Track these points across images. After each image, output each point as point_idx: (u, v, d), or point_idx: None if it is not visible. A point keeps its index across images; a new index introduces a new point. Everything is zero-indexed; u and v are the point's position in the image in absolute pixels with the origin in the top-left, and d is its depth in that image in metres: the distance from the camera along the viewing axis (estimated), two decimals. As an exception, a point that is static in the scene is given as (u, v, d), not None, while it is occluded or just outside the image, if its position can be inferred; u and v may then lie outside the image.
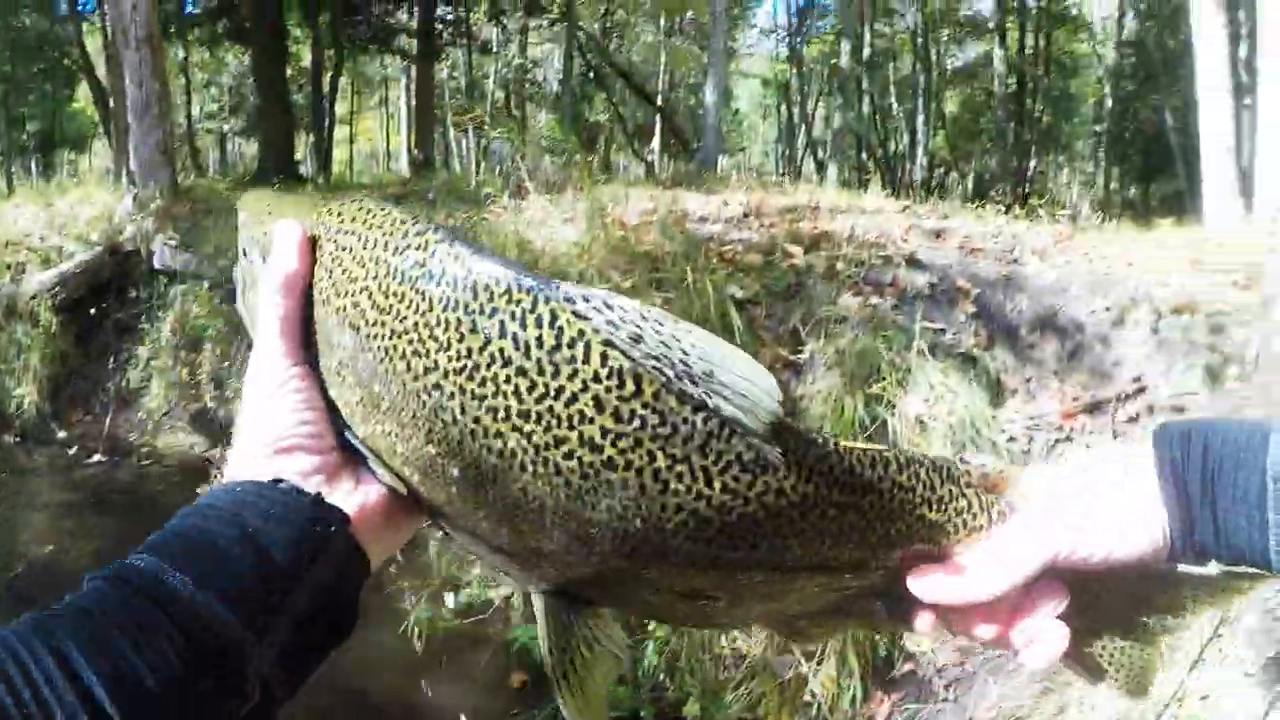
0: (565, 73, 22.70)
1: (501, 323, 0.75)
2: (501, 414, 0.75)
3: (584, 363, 0.74)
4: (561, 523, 0.78)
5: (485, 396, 0.75)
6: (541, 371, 0.74)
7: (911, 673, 4.91)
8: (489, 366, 0.75)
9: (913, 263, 6.60)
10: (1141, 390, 6.05)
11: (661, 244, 6.73)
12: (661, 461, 0.75)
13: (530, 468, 0.76)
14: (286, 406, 0.87)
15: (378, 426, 0.83)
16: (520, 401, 0.75)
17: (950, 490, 0.92)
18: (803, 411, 5.37)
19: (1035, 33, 30.55)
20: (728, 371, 0.74)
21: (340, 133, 33.94)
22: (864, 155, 31.68)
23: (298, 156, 22.24)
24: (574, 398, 0.74)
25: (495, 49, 29.56)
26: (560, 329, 0.74)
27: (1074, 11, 32.05)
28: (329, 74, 24.64)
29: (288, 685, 0.76)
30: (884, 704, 4.75)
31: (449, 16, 24.26)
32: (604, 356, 0.74)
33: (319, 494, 0.82)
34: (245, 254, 1.00)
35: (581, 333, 0.74)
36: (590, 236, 6.79)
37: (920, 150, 31.75)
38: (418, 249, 0.80)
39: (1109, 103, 28.93)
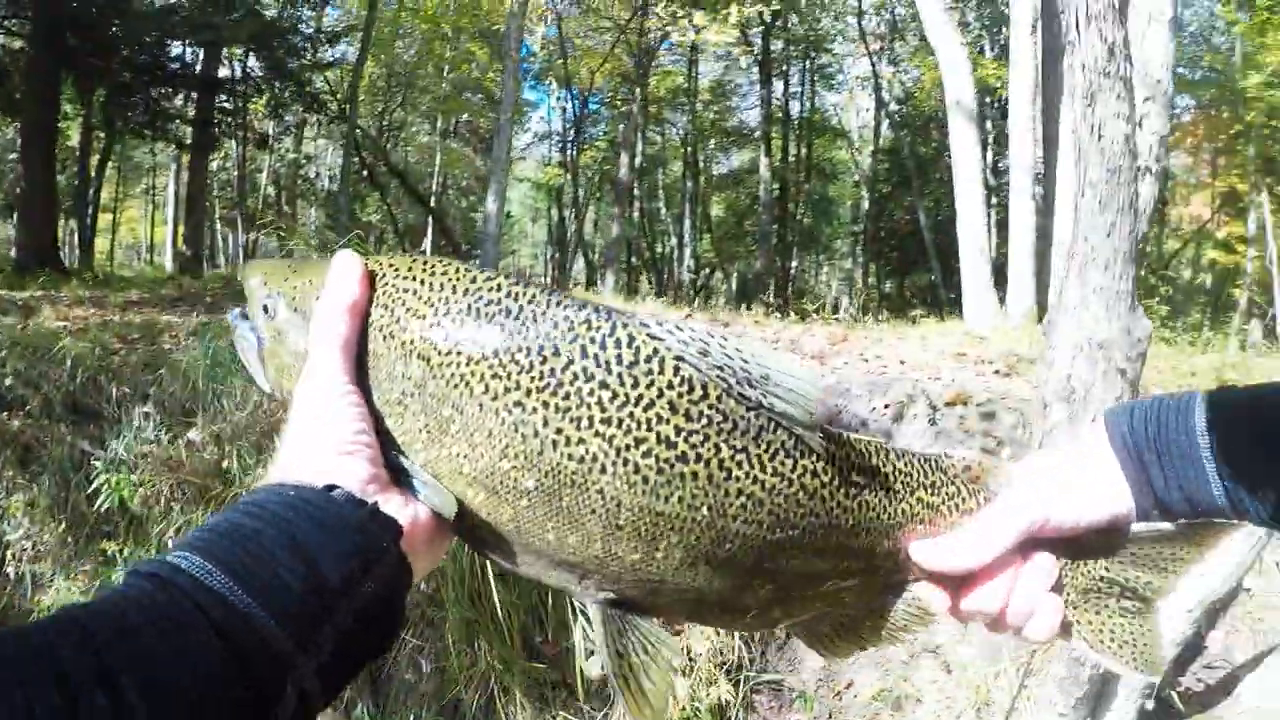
0: (344, 170, 22.22)
1: (583, 346, 0.89)
2: (585, 422, 0.88)
3: (659, 373, 0.89)
4: (633, 520, 0.90)
5: (569, 409, 0.88)
6: (628, 378, 0.89)
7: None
8: (572, 382, 0.88)
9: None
10: (927, 476, 6.48)
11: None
12: (725, 455, 0.91)
13: (610, 469, 0.88)
14: (348, 415, 0.91)
15: (443, 450, 0.92)
16: (603, 410, 0.88)
17: (940, 477, 1.09)
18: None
19: (798, 141, 32.43)
20: (780, 374, 0.91)
21: (102, 220, 32.05)
22: (633, 259, 32.46)
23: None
24: (651, 403, 0.89)
25: (271, 143, 28.73)
26: (638, 348, 0.90)
27: (833, 121, 34.14)
28: (96, 156, 23.32)
29: (324, 696, 0.75)
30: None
31: (227, 106, 23.42)
32: (676, 368, 0.90)
33: (375, 504, 0.84)
34: (268, 310, 1.04)
35: (656, 350, 0.90)
36: None
37: (687, 253, 32.91)
38: (491, 289, 0.93)
39: (865, 205, 30.83)
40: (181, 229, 23.96)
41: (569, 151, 33.16)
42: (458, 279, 0.95)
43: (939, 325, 11.29)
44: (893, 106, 29.45)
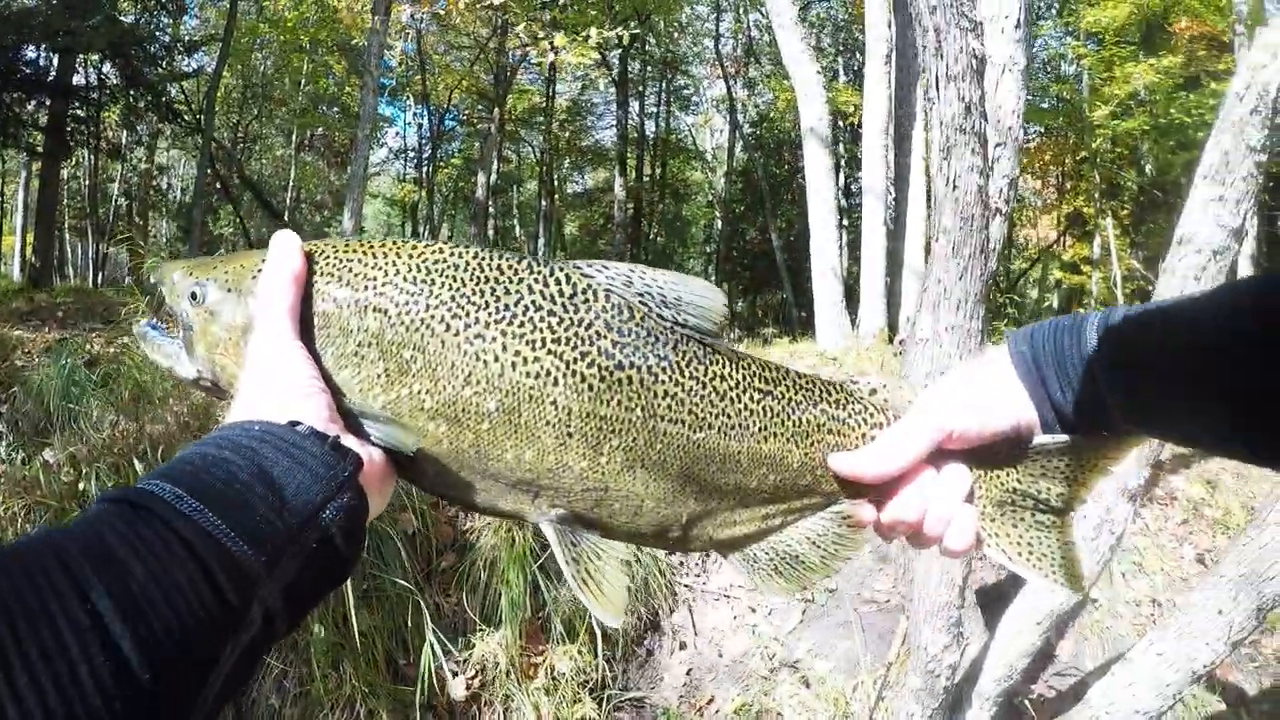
0: (198, 182, 21.41)
1: (529, 284, 1.05)
2: (538, 344, 1.03)
3: (594, 301, 1.07)
4: (581, 425, 1.04)
5: (523, 334, 1.03)
6: (570, 307, 1.05)
7: None
8: (524, 313, 1.04)
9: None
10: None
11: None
12: (653, 361, 1.07)
13: (560, 382, 1.03)
14: (301, 365, 0.98)
15: (405, 389, 1.03)
16: (552, 332, 1.04)
17: (845, 396, 1.21)
18: (474, 544, 5.43)
19: (653, 161, 32.73)
20: (690, 295, 1.10)
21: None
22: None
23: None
24: (590, 324, 1.05)
25: (124, 153, 27.56)
26: (574, 282, 1.07)
27: (688, 143, 34.56)
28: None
29: (287, 619, 0.78)
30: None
31: (80, 113, 22.30)
32: (608, 295, 1.07)
33: (336, 437, 0.88)
34: (195, 296, 1.10)
35: (589, 284, 1.07)
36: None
37: None
38: (434, 251, 1.07)
39: (719, 224, 31.30)
40: (31, 239, 22.77)
41: (425, 168, 32.80)
42: (398, 248, 1.08)
43: (792, 345, 11.52)
44: (747, 129, 30.00)
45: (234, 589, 0.71)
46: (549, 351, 1.03)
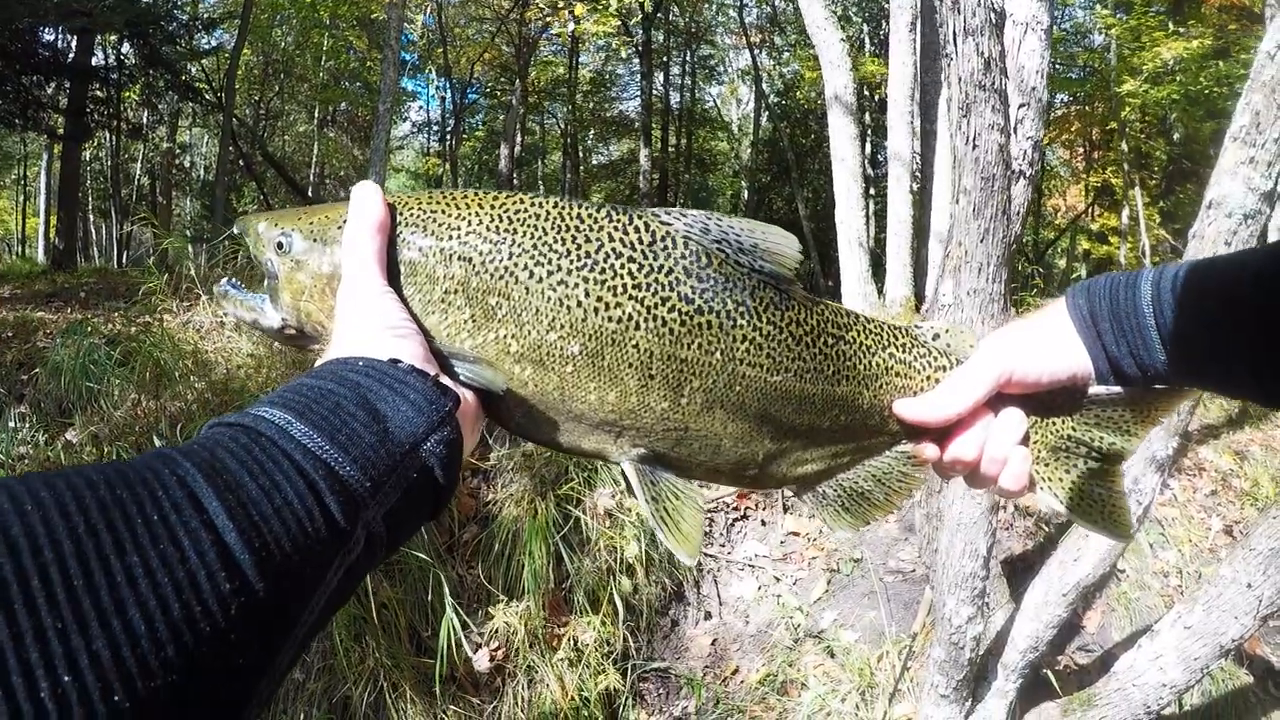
0: (220, 160, 21.43)
1: (609, 233, 1.08)
2: (620, 289, 1.06)
3: (674, 248, 1.10)
4: (662, 368, 1.08)
5: (607, 279, 1.06)
6: (649, 254, 1.08)
7: None
8: (606, 260, 1.07)
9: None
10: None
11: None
12: (730, 306, 1.11)
13: (641, 326, 1.07)
14: (394, 308, 1.01)
15: (490, 334, 1.06)
16: (633, 278, 1.07)
17: (911, 340, 1.27)
18: (496, 516, 5.43)
19: (678, 132, 32.53)
20: (766, 241, 1.13)
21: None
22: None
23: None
24: (670, 270, 1.09)
25: (145, 133, 27.61)
26: (654, 230, 1.10)
27: (713, 114, 34.33)
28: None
29: (387, 544, 0.81)
30: None
31: (100, 94, 22.31)
32: (685, 242, 1.10)
33: (437, 374, 0.94)
34: (282, 246, 1.13)
35: (668, 231, 1.10)
36: (268, 348, 6.52)
37: None
38: (514, 201, 1.10)
39: (745, 194, 31.10)
40: (54, 221, 22.88)
41: (448, 141, 32.73)
42: (480, 198, 1.11)
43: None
44: (772, 99, 29.76)
45: (341, 510, 0.74)
46: (630, 297, 1.07)
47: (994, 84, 3.23)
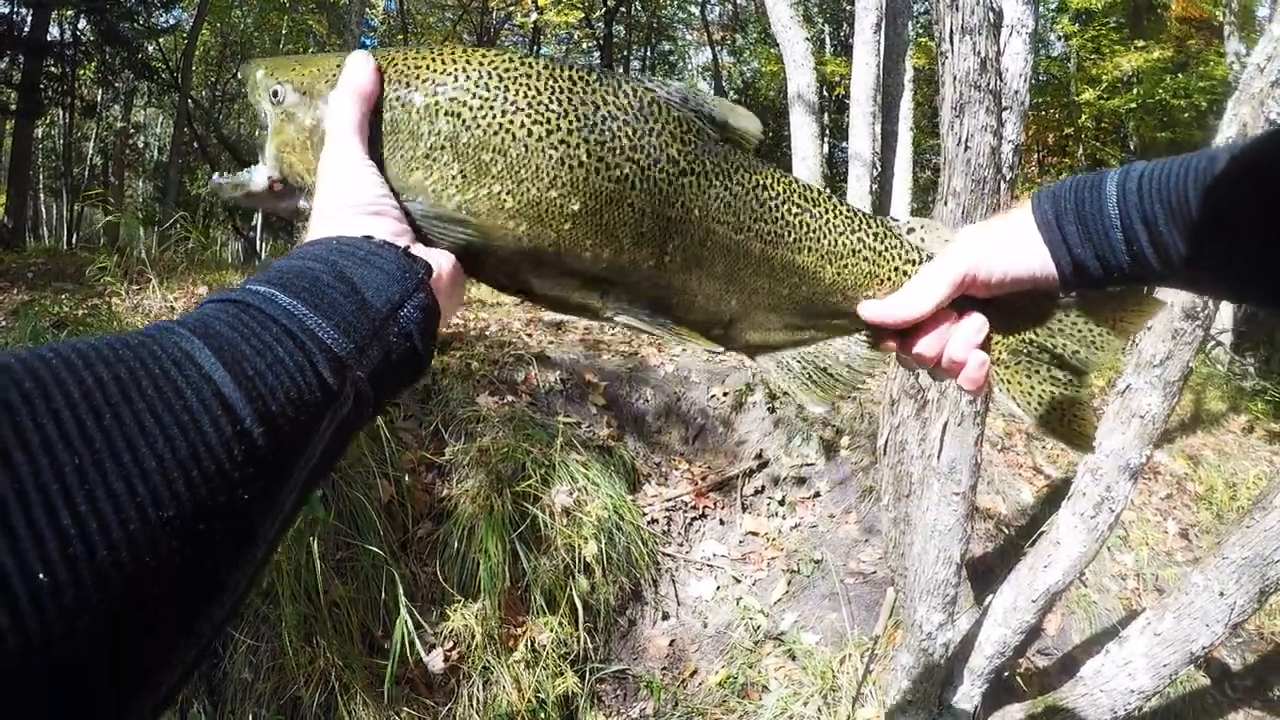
0: (175, 141, 21.11)
1: (604, 97, 1.11)
2: (620, 150, 1.10)
3: (662, 113, 1.14)
4: (651, 226, 1.13)
5: (605, 141, 1.09)
6: (642, 117, 1.12)
7: None
8: (606, 122, 1.10)
9: (542, 359, 6.71)
10: (764, 465, 6.56)
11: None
12: (709, 167, 1.16)
13: (638, 186, 1.11)
14: (371, 182, 1.04)
15: (483, 190, 1.08)
16: (630, 139, 1.11)
17: (885, 229, 1.30)
18: (451, 513, 5.30)
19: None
20: (735, 118, 1.18)
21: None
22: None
23: None
24: (659, 133, 1.13)
25: (100, 111, 27.08)
26: (642, 95, 1.13)
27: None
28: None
29: (374, 404, 0.87)
30: None
31: (54, 71, 21.81)
32: (668, 109, 1.14)
33: (407, 246, 0.99)
34: (276, 95, 1.15)
35: (654, 98, 1.14)
36: None
37: None
38: (503, 59, 1.11)
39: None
40: (3, 199, 22.35)
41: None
42: (468, 54, 1.11)
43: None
44: (732, 97, 29.80)
45: (329, 369, 0.78)
46: (627, 159, 1.10)
47: (989, 85, 3.18)
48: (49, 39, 21.50)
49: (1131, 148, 21.02)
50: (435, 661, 4.73)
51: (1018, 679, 4.90)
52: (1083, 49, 17.87)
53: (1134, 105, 17.43)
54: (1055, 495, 4.28)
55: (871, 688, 4.83)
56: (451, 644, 4.81)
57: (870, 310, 1.26)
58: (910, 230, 1.33)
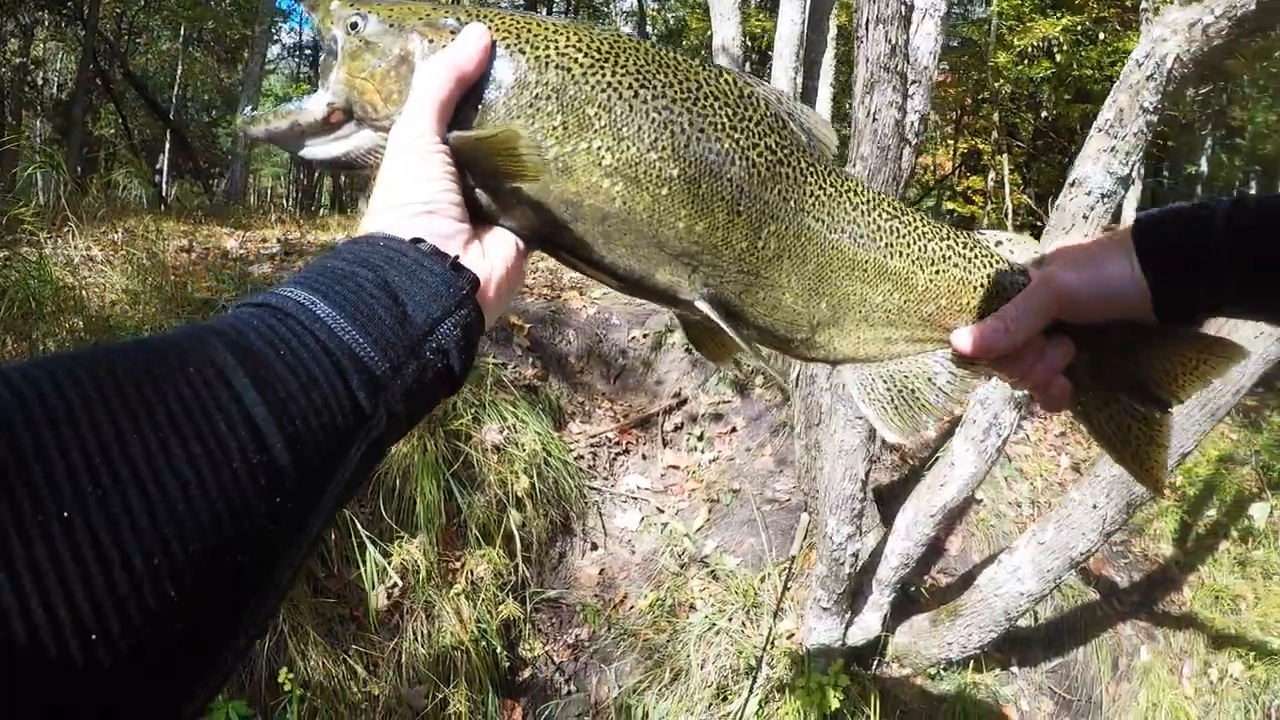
0: (79, 78, 19.92)
1: (706, 78, 1.13)
2: (721, 126, 1.11)
3: (760, 103, 1.16)
4: (748, 206, 1.13)
5: (708, 115, 1.11)
6: (741, 104, 1.14)
7: (533, 676, 5.26)
8: (708, 100, 1.11)
9: (469, 303, 6.73)
10: (683, 403, 6.86)
11: (219, 289, 6.40)
12: (804, 164, 1.17)
13: (737, 163, 1.11)
14: (436, 173, 1.00)
15: (582, 144, 1.07)
16: (730, 119, 1.12)
17: (972, 239, 1.28)
18: (387, 456, 5.37)
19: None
20: (818, 127, 1.20)
21: None
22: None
23: None
24: (760, 120, 1.14)
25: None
26: (741, 86, 1.15)
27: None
28: None
29: (406, 421, 0.84)
30: (516, 710, 5.05)
31: None
32: (766, 104, 1.16)
33: (456, 257, 0.93)
34: (356, 27, 1.11)
35: (753, 91, 1.16)
36: (142, 283, 6.27)
37: None
38: (612, 31, 1.13)
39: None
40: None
41: (319, 67, 31.47)
42: (577, 25, 1.13)
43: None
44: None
45: (364, 390, 0.76)
46: (728, 135, 1.11)
47: (897, 67, 3.55)
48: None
49: (1044, 115, 21.38)
50: (379, 598, 4.86)
51: (924, 593, 5.29)
52: (1005, 15, 18.06)
53: (1049, 74, 17.70)
54: (954, 429, 4.62)
55: (790, 603, 5.17)
56: (394, 581, 4.96)
57: (963, 342, 1.21)
58: (998, 244, 1.29)
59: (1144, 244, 1.14)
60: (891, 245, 1.22)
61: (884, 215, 1.22)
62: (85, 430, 0.57)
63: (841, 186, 1.20)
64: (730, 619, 5.24)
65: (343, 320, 0.78)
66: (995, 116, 20.48)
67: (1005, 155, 19.61)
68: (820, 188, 1.18)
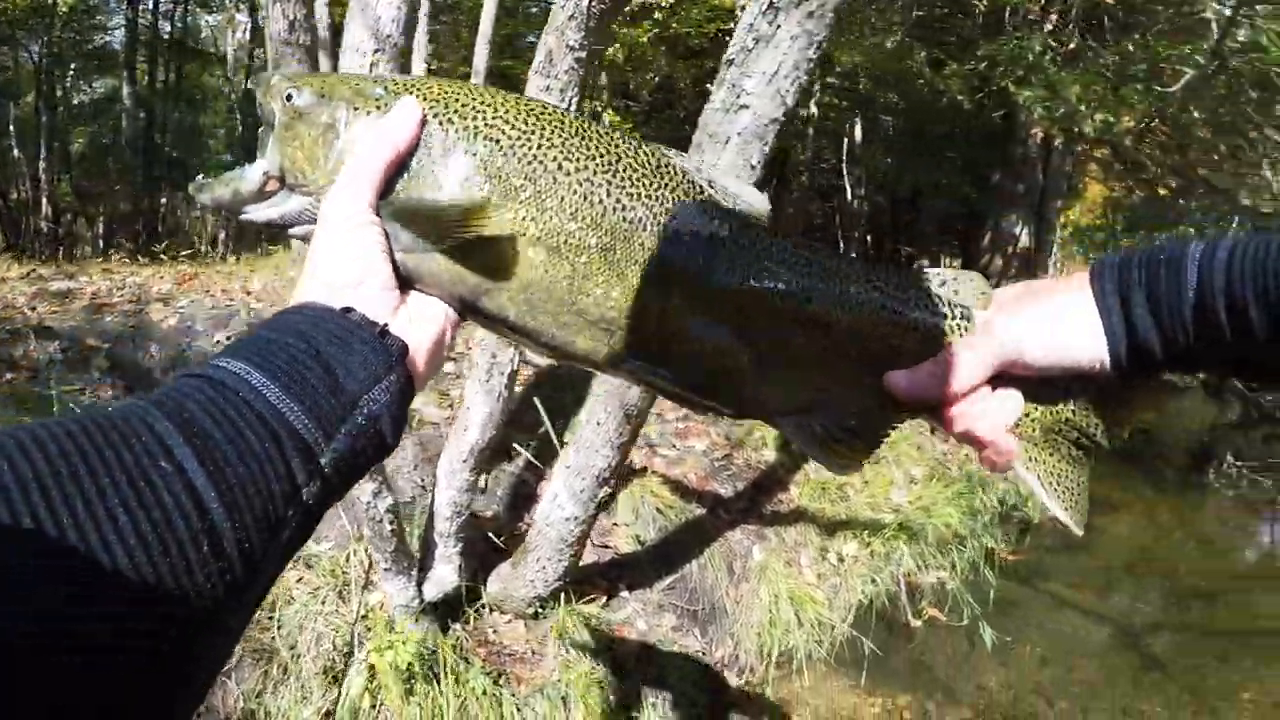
0: None
1: (624, 150, 1.16)
2: (637, 196, 1.14)
3: (675, 173, 1.19)
4: (660, 271, 1.14)
5: (625, 185, 1.14)
6: (654, 174, 1.16)
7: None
8: (626, 170, 1.14)
9: (42, 332, 6.49)
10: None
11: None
12: (716, 226, 1.16)
13: (649, 229, 1.14)
14: (369, 244, 1.03)
15: (509, 214, 1.10)
16: (645, 189, 1.15)
17: (918, 286, 1.21)
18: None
19: (165, 67, 29.81)
20: (745, 195, 1.22)
21: None
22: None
23: None
24: (674, 188, 1.17)
25: None
26: (658, 156, 1.19)
27: (208, 46, 31.93)
28: None
29: (340, 487, 0.87)
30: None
31: None
32: (684, 173, 1.19)
33: (385, 325, 0.96)
34: (290, 98, 1.15)
35: (670, 161, 1.19)
36: None
37: (44, 198, 29.11)
38: (538, 103, 1.17)
39: (241, 131, 29.12)
40: None
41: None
42: (503, 94, 1.18)
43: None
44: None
45: (298, 457, 0.79)
46: (642, 204, 1.14)
47: (299, 40, 3.75)
48: None
49: (651, 76, 22.24)
50: None
51: (503, 545, 5.46)
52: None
53: (653, 36, 18.31)
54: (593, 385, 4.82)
55: (378, 575, 5.21)
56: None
57: (899, 385, 1.14)
58: (943, 282, 1.22)
59: (1104, 297, 1.07)
60: (805, 291, 1.16)
61: (801, 262, 1.17)
62: (39, 506, 0.61)
63: (757, 239, 1.18)
64: (324, 601, 5.22)
65: (277, 389, 0.81)
66: (604, 78, 21.17)
67: (619, 118, 20.36)
68: (735, 244, 1.17)
